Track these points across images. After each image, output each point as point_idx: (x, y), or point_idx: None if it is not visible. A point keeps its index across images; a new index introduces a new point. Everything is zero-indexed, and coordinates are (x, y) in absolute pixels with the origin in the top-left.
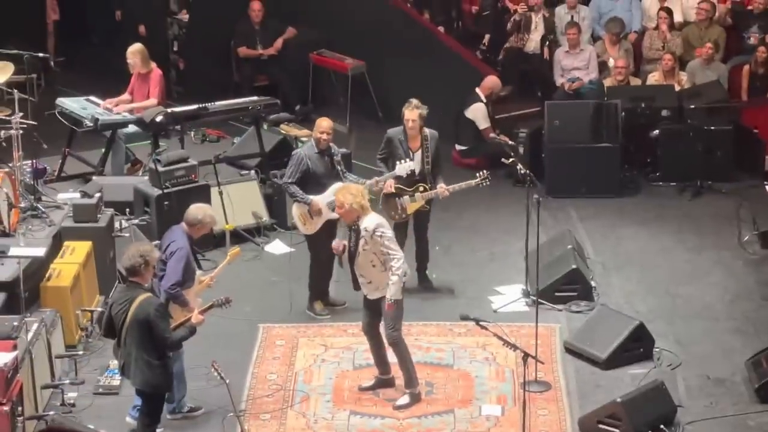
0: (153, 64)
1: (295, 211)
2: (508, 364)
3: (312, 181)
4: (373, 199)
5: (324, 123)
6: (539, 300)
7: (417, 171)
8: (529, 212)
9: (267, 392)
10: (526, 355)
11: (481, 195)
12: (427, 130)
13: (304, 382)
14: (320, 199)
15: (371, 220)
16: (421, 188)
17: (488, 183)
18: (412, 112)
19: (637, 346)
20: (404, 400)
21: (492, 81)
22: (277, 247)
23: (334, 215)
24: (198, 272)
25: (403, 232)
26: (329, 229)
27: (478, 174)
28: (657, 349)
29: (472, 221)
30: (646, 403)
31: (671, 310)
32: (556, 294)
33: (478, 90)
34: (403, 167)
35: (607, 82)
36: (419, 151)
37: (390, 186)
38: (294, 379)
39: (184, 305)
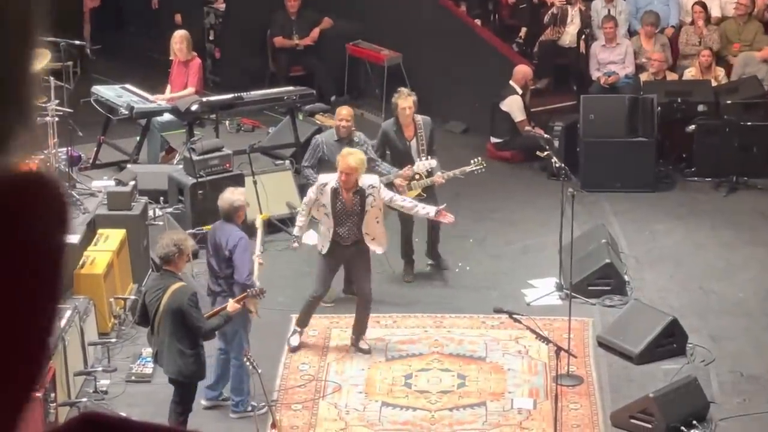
0: (194, 53)
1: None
2: (541, 357)
3: (327, 169)
4: (423, 197)
5: (343, 111)
6: (572, 294)
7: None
8: (563, 206)
9: (299, 383)
10: (558, 349)
11: (515, 188)
12: (419, 117)
13: (336, 374)
14: None
15: (371, 177)
16: (417, 176)
17: (483, 170)
18: (407, 100)
19: (671, 341)
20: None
21: (522, 70)
22: (311, 237)
23: None
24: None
25: (409, 223)
26: None
27: (472, 160)
28: (690, 345)
29: (507, 214)
30: (678, 399)
31: (705, 306)
32: (590, 288)
33: (512, 83)
34: (422, 164)
35: (644, 77)
36: (414, 140)
37: (403, 180)
38: (326, 370)
39: (258, 294)
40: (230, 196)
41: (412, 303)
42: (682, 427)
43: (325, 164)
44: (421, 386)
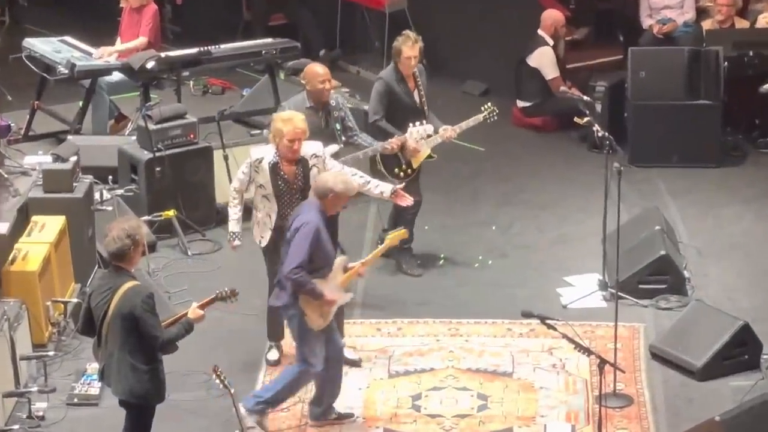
0: None
1: None
2: (581, 372)
3: None
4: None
5: (320, 70)
6: (619, 294)
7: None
8: (607, 185)
9: (281, 405)
10: (602, 362)
11: (549, 163)
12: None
13: None
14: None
15: (313, 145)
16: (426, 136)
17: (496, 117)
18: (414, 47)
19: (741, 351)
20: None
21: (552, 15)
22: None
23: None
24: (340, 258)
25: (415, 190)
26: None
27: (483, 107)
28: (765, 357)
29: (538, 195)
30: (751, 423)
31: None
32: (641, 286)
33: (541, 32)
34: (417, 131)
35: (706, 25)
36: (415, 91)
37: (396, 145)
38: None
39: (316, 297)
40: (330, 179)
41: (421, 306)
42: None
43: None
44: (433, 409)
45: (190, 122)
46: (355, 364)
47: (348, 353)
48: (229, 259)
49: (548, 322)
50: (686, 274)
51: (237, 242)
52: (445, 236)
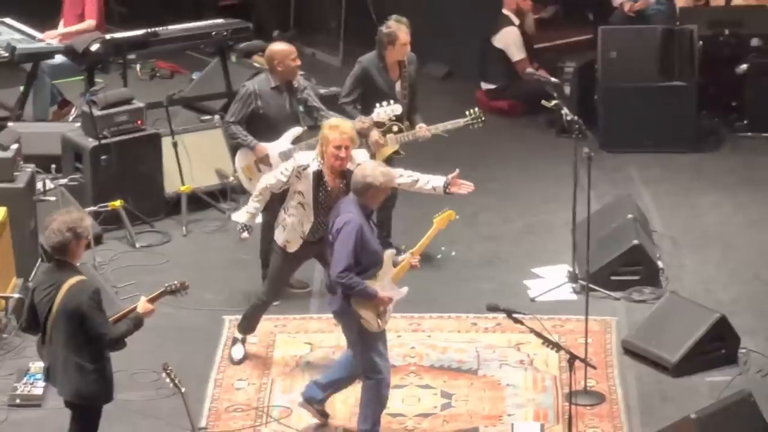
0: None
1: (239, 162)
2: (550, 369)
3: (263, 125)
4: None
5: (287, 47)
6: (590, 286)
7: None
8: (577, 171)
9: (235, 405)
10: (572, 358)
11: (514, 149)
12: None
13: (282, 392)
14: (270, 146)
15: (360, 153)
16: (395, 128)
17: (482, 124)
18: (407, 32)
19: (718, 346)
20: None
21: None
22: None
23: None
24: (388, 252)
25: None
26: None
27: (468, 112)
28: (743, 351)
29: (504, 183)
30: (729, 421)
31: (762, 300)
32: (613, 278)
33: (505, 10)
34: (384, 111)
35: (680, 2)
36: (398, 82)
37: (366, 124)
38: (270, 388)
39: (370, 297)
40: (365, 172)
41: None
42: None
43: (261, 119)
44: (395, 408)
45: (137, 108)
46: None
47: None
48: (179, 251)
49: (515, 316)
50: (660, 264)
51: (246, 234)
52: (406, 227)
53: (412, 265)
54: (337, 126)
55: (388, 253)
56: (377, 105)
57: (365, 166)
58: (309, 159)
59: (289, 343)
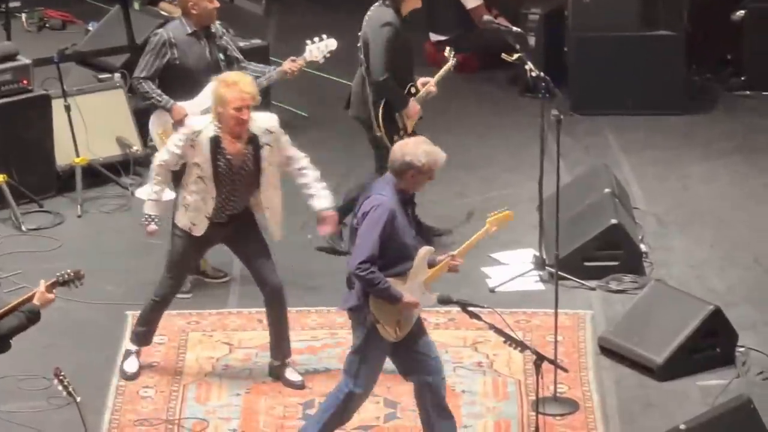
0: None
1: (154, 127)
2: (513, 372)
3: (180, 79)
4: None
5: None
6: (560, 273)
7: None
8: (544, 137)
9: (140, 417)
10: (539, 359)
11: (471, 111)
12: None
13: (197, 401)
14: (189, 105)
15: (266, 117)
16: (413, 90)
17: (454, 63)
18: None
19: (712, 343)
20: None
21: None
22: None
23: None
24: (424, 249)
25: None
26: None
27: (446, 53)
28: (742, 349)
29: (458, 151)
30: None
31: (764, 289)
32: (587, 264)
33: None
34: (317, 48)
35: None
36: None
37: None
38: (182, 397)
39: (392, 299)
40: (405, 149)
41: (313, 292)
42: None
43: (179, 72)
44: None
45: (22, 65)
46: (299, 386)
47: (289, 374)
48: (74, 234)
49: (471, 309)
50: (643, 248)
51: (154, 226)
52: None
53: (450, 268)
54: (235, 83)
55: (424, 251)
56: (307, 41)
57: (407, 142)
58: (203, 124)
59: (205, 344)
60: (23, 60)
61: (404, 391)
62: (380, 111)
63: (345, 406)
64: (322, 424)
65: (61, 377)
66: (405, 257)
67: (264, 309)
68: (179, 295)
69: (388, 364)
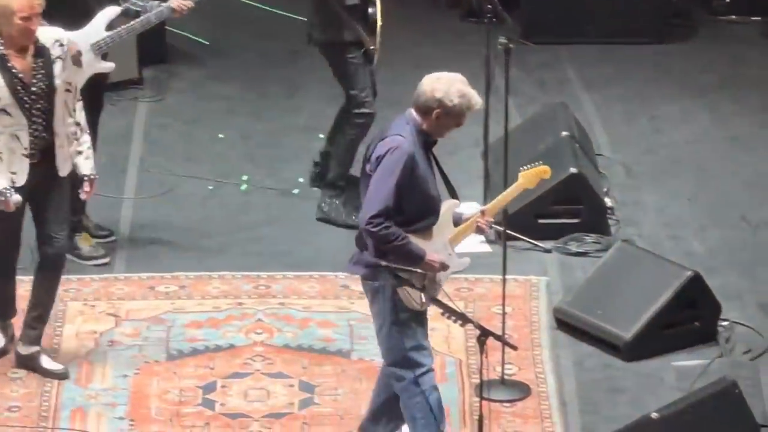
0: None
1: None
2: (452, 350)
3: (64, 6)
4: None
5: None
6: (509, 232)
7: None
8: (491, 70)
9: (9, 403)
10: (484, 334)
11: (402, 39)
12: None
13: (77, 384)
14: (77, 37)
15: (51, 30)
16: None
17: None
18: None
19: (689, 316)
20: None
21: None
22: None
23: (106, 66)
24: (448, 202)
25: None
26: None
27: None
28: (725, 323)
29: (387, 86)
30: (704, 421)
31: (752, 251)
32: (541, 221)
33: None
34: None
35: None
36: None
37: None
38: (59, 380)
39: (413, 258)
40: (445, 82)
41: (216, 253)
42: None
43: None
44: (234, 405)
45: None
46: (60, 375)
47: (44, 360)
48: None
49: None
50: (608, 202)
51: (17, 198)
52: (250, 148)
53: (479, 227)
54: None
55: (449, 204)
56: None
57: (440, 77)
58: None
59: (86, 315)
60: None
61: (322, 373)
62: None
63: (423, 397)
64: None
65: None
66: (428, 211)
67: (156, 273)
68: (97, 261)
69: (305, 339)
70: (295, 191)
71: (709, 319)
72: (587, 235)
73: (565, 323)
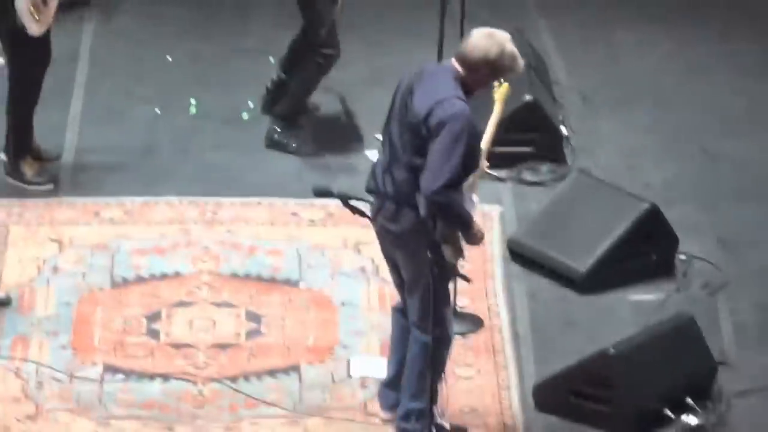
0: None
1: (20, 2)
2: None
3: None
4: None
5: None
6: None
7: None
8: None
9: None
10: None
11: None
12: None
13: (19, 313)
14: None
15: None
16: None
17: None
18: None
19: (646, 250)
20: None
21: None
22: None
23: None
24: None
25: (333, 34)
26: None
27: None
28: (683, 257)
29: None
30: (661, 357)
31: (712, 183)
32: (495, 149)
33: None
34: None
35: None
36: None
37: None
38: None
39: (468, 225)
40: (496, 40)
41: (159, 180)
42: (666, 410)
43: None
44: (179, 335)
45: None
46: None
47: None
48: None
49: (353, 204)
50: (564, 131)
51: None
52: (198, 70)
53: (484, 173)
54: None
55: None
56: None
57: (493, 33)
58: None
59: (29, 241)
60: None
61: (269, 302)
62: None
63: (440, 355)
64: (431, 392)
65: None
66: (474, 165)
67: (100, 199)
68: (40, 188)
69: (252, 267)
70: (245, 115)
71: (667, 252)
72: (542, 164)
73: (519, 255)
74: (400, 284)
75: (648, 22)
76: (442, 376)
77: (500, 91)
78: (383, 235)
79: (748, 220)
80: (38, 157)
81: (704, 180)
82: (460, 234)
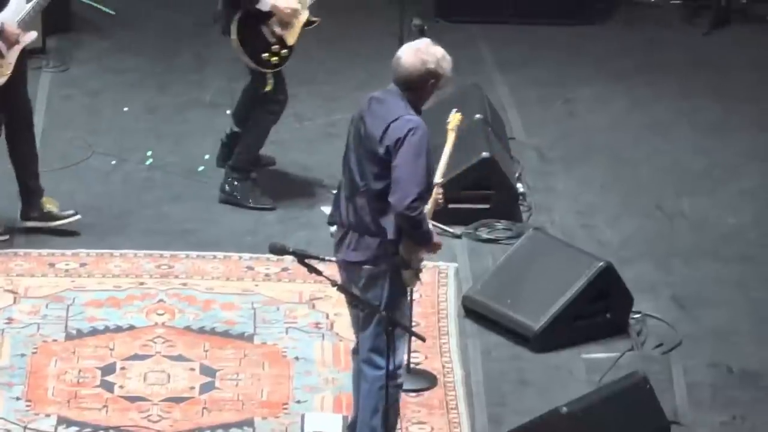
0: None
1: None
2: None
3: None
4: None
5: None
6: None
7: None
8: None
9: None
10: (390, 323)
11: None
12: None
13: None
14: (9, 17)
15: None
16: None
17: None
18: None
19: (601, 308)
20: None
21: None
22: None
23: (31, 37)
24: None
25: (281, 84)
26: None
27: None
28: (637, 316)
29: (298, 63)
30: (614, 417)
31: (666, 242)
32: (451, 206)
33: None
34: None
35: None
36: None
37: None
38: None
39: (427, 242)
40: (432, 54)
41: (116, 231)
42: None
43: None
44: (133, 388)
45: None
46: None
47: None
48: None
49: (309, 261)
50: (520, 188)
51: None
52: (155, 122)
53: (437, 201)
54: None
55: None
56: None
57: (418, 47)
58: None
59: None
60: None
61: (224, 356)
62: (236, 26)
63: (395, 392)
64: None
65: None
66: (430, 185)
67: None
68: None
69: (207, 321)
70: (201, 168)
71: (621, 311)
72: (498, 222)
73: (473, 312)
74: (356, 322)
75: (604, 80)
76: (398, 411)
77: (453, 120)
78: (344, 267)
79: (703, 280)
80: (56, 216)
81: (660, 238)
82: (421, 249)
